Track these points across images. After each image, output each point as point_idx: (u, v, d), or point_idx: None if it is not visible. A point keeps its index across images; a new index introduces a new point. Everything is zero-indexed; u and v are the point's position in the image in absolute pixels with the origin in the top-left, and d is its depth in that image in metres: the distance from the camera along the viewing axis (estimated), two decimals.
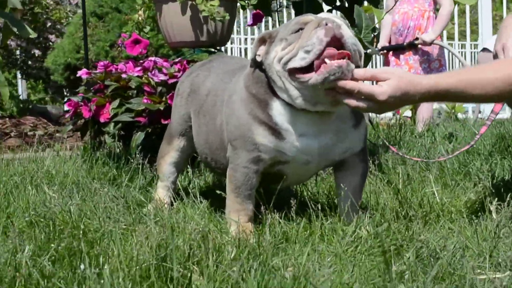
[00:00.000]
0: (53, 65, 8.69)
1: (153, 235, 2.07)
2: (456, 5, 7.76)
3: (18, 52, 12.25)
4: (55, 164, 4.05)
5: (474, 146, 2.98)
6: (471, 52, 11.05)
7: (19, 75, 13.97)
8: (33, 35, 7.21)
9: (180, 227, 2.43)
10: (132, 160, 3.75)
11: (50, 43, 11.52)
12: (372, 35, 3.86)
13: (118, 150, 4.01)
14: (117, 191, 3.35)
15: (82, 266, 1.81)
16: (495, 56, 2.88)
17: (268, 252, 2.13)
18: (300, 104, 2.50)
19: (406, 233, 2.46)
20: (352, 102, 2.41)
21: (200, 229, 2.28)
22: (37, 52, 11.58)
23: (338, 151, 2.67)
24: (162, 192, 3.26)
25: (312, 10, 3.94)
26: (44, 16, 11.52)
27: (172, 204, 3.18)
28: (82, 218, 2.62)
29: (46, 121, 8.32)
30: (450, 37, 10.50)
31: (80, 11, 11.49)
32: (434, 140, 4.98)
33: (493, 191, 2.98)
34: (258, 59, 2.59)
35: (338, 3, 4.18)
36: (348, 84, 2.37)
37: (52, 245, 2.08)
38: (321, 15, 2.53)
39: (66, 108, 4.30)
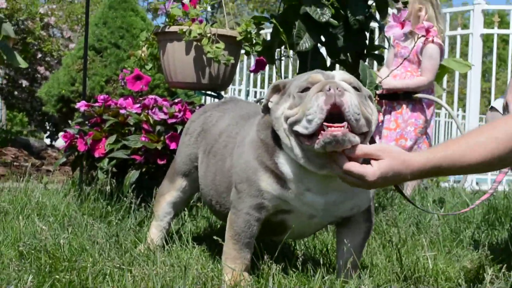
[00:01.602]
0: (46, 96, 8.62)
1: (158, 275, 1.99)
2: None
3: (3, 81, 12.20)
4: (44, 196, 3.97)
5: (470, 211, 2.97)
6: (462, 124, 11.12)
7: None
8: (24, 65, 7.17)
9: (182, 270, 2.36)
10: (124, 199, 3.69)
11: (39, 75, 11.47)
12: (376, 92, 3.84)
13: (109, 187, 3.93)
14: (108, 228, 3.28)
15: None
16: (506, 107, 2.88)
17: None
18: (304, 164, 2.43)
19: None
20: (344, 178, 2.37)
21: (202, 274, 2.22)
22: (24, 83, 11.53)
23: (344, 208, 2.60)
24: (155, 232, 3.19)
25: (316, 62, 3.93)
26: (35, 47, 11.50)
27: (163, 247, 3.11)
28: (80, 253, 2.53)
29: (28, 154, 8.22)
30: (438, 107, 10.55)
31: (72, 45, 11.50)
32: (423, 204, 4.95)
33: (488, 260, 2.94)
34: (270, 105, 2.53)
35: (342, 57, 4.16)
36: (340, 162, 2.32)
37: (56, 276, 2.00)
38: (332, 74, 2.45)
39: (60, 141, 4.24)
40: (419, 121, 6.26)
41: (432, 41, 6.09)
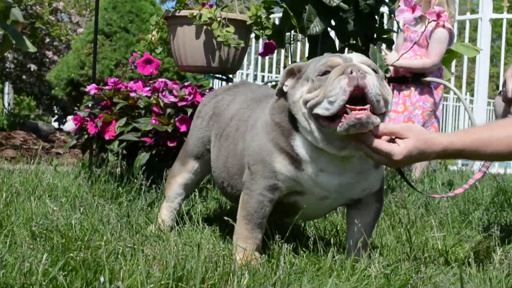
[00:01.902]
0: (56, 80, 8.65)
1: (171, 254, 2.01)
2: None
3: (11, 65, 12.22)
4: (55, 178, 4.00)
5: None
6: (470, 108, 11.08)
7: (6, 89, 13.92)
8: (32, 49, 7.19)
9: (194, 249, 2.38)
10: (134, 180, 3.71)
11: (47, 59, 11.49)
12: (385, 76, 3.85)
13: (120, 169, 3.96)
14: (119, 209, 3.30)
15: (102, 279, 1.76)
16: (504, 83, 2.89)
17: (285, 280, 2.09)
18: (324, 147, 2.45)
19: (417, 274, 2.42)
20: (370, 155, 2.40)
21: (214, 253, 2.24)
22: (33, 67, 11.55)
23: (357, 190, 2.63)
24: (166, 213, 3.21)
25: (326, 46, 3.94)
26: (44, 32, 11.51)
27: (173, 227, 3.13)
28: (92, 233, 2.56)
29: (36, 137, 8.26)
30: (446, 91, 10.56)
31: (80, 29, 11.51)
32: (431, 186, 4.97)
33: (496, 241, 2.95)
34: (285, 89, 2.54)
35: (352, 41, 4.18)
36: (367, 140, 2.36)
37: (70, 254, 2.02)
38: (349, 56, 2.46)
39: (68, 124, 4.26)
40: (426, 104, 6.26)
41: (443, 26, 6.08)
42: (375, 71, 2.43)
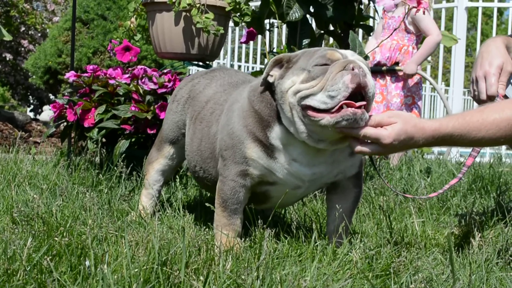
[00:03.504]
0: (33, 68, 8.59)
1: (156, 238, 2.02)
2: None
3: None
4: (34, 166, 3.98)
5: (461, 177, 2.99)
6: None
7: None
8: (8, 38, 7.14)
9: (177, 235, 2.38)
10: (114, 168, 3.70)
11: (22, 48, 11.40)
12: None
13: (99, 157, 3.94)
14: (99, 197, 3.29)
15: (87, 263, 1.75)
16: (474, 82, 2.87)
17: (269, 265, 2.10)
18: (303, 139, 2.47)
19: (398, 259, 2.44)
20: (356, 147, 2.42)
21: (197, 238, 2.25)
22: (8, 56, 11.46)
23: (330, 176, 2.65)
24: (145, 200, 3.21)
25: (305, 33, 3.94)
26: (19, 21, 11.42)
27: (154, 214, 3.13)
28: (74, 220, 2.55)
29: (12, 127, 8.20)
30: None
31: (56, 18, 11.44)
32: (409, 174, 4.99)
33: (475, 227, 2.98)
34: (270, 80, 2.53)
35: (331, 28, 4.18)
36: (353, 132, 2.38)
37: (55, 239, 2.02)
38: (346, 53, 2.46)
39: (45, 114, 4.24)
40: (403, 90, 6.29)
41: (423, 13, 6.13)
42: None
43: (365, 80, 2.34)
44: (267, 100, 2.55)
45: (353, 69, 2.34)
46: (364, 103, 2.35)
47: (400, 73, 6.20)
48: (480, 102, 2.82)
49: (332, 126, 2.35)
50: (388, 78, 6.28)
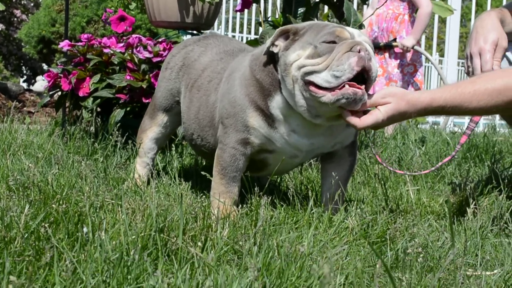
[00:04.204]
0: (26, 37, 8.55)
1: (153, 205, 2.02)
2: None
3: None
4: (29, 136, 3.97)
5: (454, 155, 3.01)
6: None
7: None
8: (1, 7, 7.09)
9: (173, 203, 2.39)
10: (109, 137, 3.69)
11: (15, 18, 11.33)
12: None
13: (94, 126, 3.93)
14: (95, 166, 3.29)
15: (85, 229, 1.76)
16: (469, 58, 2.86)
17: (266, 231, 2.11)
18: (301, 112, 2.49)
19: (394, 225, 2.46)
20: (349, 117, 2.45)
21: (194, 206, 2.26)
22: (0, 26, 11.38)
23: (327, 146, 2.67)
24: (140, 169, 3.22)
25: (300, 1, 3.92)
26: None
27: (149, 183, 3.13)
28: (70, 189, 2.55)
29: (6, 98, 8.17)
30: None
31: None
32: (404, 143, 5.01)
33: (470, 195, 3.00)
34: (275, 50, 2.52)
35: None
36: (350, 120, 2.43)
37: (53, 206, 2.02)
38: (353, 33, 2.46)
39: (38, 84, 4.21)
40: (403, 60, 6.30)
41: None
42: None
43: (370, 64, 2.37)
44: (269, 69, 2.56)
45: (359, 52, 2.36)
46: (362, 86, 2.38)
47: (397, 50, 6.21)
48: None
49: (332, 104, 2.37)
50: (386, 54, 6.28)
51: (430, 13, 6.19)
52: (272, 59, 2.56)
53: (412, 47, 6.15)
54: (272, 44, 2.53)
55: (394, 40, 6.20)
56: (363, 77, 2.38)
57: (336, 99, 2.35)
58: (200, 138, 2.89)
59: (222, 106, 2.67)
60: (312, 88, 2.40)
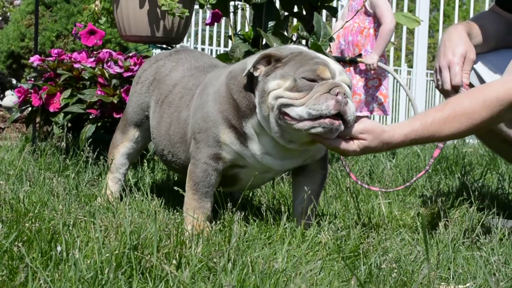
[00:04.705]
0: None
1: (127, 223, 2.01)
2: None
3: None
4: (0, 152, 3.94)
5: (428, 169, 3.04)
6: (408, 79, 11.19)
7: None
8: None
9: (147, 220, 2.38)
10: (80, 153, 3.67)
11: None
12: (329, 44, 3.87)
13: (65, 142, 3.91)
14: (66, 182, 3.27)
15: (59, 248, 1.75)
16: (437, 72, 2.88)
17: (240, 248, 2.11)
18: (275, 137, 2.50)
19: (366, 240, 2.47)
20: (325, 143, 2.50)
21: (167, 222, 2.25)
22: None
23: (298, 162, 2.68)
24: (112, 184, 3.20)
25: (271, 15, 3.93)
26: None
27: (121, 199, 3.12)
28: (42, 206, 2.53)
29: None
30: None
31: (17, 1, 11.28)
32: (375, 155, 5.02)
33: (441, 207, 3.02)
34: (256, 73, 2.52)
35: (296, 10, 4.18)
36: (324, 142, 2.47)
37: (26, 225, 2.00)
38: (336, 71, 2.48)
39: (7, 99, 4.19)
40: (368, 74, 6.33)
41: None
42: (350, 87, 2.50)
43: (345, 109, 2.39)
44: (247, 92, 2.56)
45: (337, 95, 2.38)
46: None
47: (362, 66, 6.25)
48: (444, 92, 2.85)
49: (306, 131, 2.39)
50: (351, 69, 6.32)
51: (392, 30, 6.23)
52: (250, 80, 2.56)
53: (373, 68, 6.19)
54: (254, 67, 2.53)
55: (360, 55, 6.24)
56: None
57: (312, 126, 2.37)
58: (171, 154, 2.88)
59: (194, 121, 2.67)
60: (287, 117, 2.42)
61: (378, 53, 6.21)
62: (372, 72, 6.33)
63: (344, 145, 2.44)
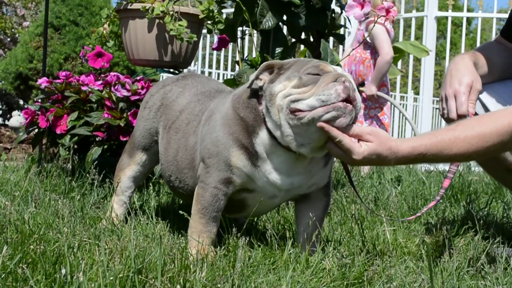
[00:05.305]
0: (3, 73, 8.54)
1: (132, 246, 2.01)
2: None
3: None
4: (5, 173, 3.95)
5: (439, 199, 3.03)
6: (414, 106, 11.21)
7: None
8: None
9: (151, 243, 2.38)
10: (86, 175, 3.68)
11: None
12: None
13: (71, 164, 3.92)
14: (72, 204, 3.28)
15: (63, 271, 1.75)
16: (443, 100, 2.88)
17: (244, 273, 2.11)
18: (287, 142, 2.50)
19: (371, 267, 2.46)
20: (332, 148, 2.46)
21: (172, 246, 2.25)
22: None
23: (304, 187, 2.68)
24: (117, 207, 3.21)
25: (278, 41, 3.96)
26: None
27: (126, 221, 3.12)
28: (47, 228, 2.53)
29: None
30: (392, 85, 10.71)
31: (26, 23, 11.35)
32: (380, 182, 5.03)
33: (445, 235, 3.02)
34: (260, 83, 2.56)
35: (303, 37, 4.21)
36: (333, 131, 2.41)
37: (31, 247, 2.01)
38: (337, 69, 2.51)
39: (14, 120, 4.20)
40: (368, 102, 6.36)
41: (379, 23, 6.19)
42: None
43: (354, 94, 2.41)
44: (252, 105, 2.58)
45: (344, 82, 2.40)
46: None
47: (364, 94, 6.28)
48: (449, 120, 2.85)
49: (320, 119, 2.39)
50: None
51: (389, 61, 6.23)
52: (255, 94, 2.59)
53: (372, 96, 6.22)
54: (257, 77, 2.56)
55: (362, 84, 6.28)
56: None
57: (326, 112, 2.37)
58: (178, 180, 2.89)
59: (203, 146, 2.67)
60: (297, 112, 2.42)
61: (375, 84, 6.25)
62: (372, 102, 6.37)
63: (351, 143, 2.41)
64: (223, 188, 2.61)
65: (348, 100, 2.39)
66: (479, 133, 2.48)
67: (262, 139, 2.56)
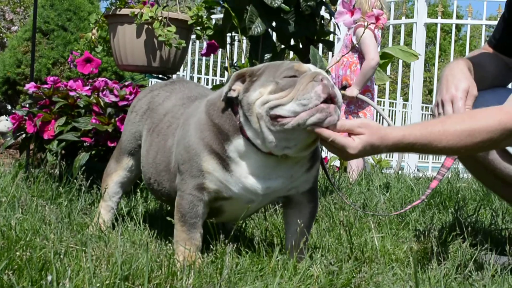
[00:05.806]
0: None
1: (119, 252, 2.00)
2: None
3: None
4: None
5: (424, 198, 3.02)
6: (403, 112, 11.24)
7: None
8: None
9: (138, 250, 2.37)
10: (73, 181, 3.66)
11: None
12: None
13: (59, 170, 3.90)
14: (59, 210, 3.26)
15: (49, 277, 1.74)
16: (439, 106, 2.89)
17: (231, 280, 2.10)
18: (269, 148, 2.48)
19: (359, 274, 2.46)
20: (327, 147, 2.46)
21: (159, 253, 2.24)
22: None
23: (283, 191, 2.66)
24: (104, 213, 3.20)
25: (267, 47, 3.96)
26: None
27: (113, 227, 3.11)
28: (34, 234, 2.52)
29: None
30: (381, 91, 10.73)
31: (14, 27, 11.33)
32: (369, 189, 5.03)
33: (434, 242, 3.02)
34: (233, 94, 2.53)
35: (292, 43, 4.21)
36: (324, 132, 2.40)
37: (17, 253, 2.00)
38: (310, 67, 2.49)
39: (3, 124, 4.19)
40: (351, 107, 6.40)
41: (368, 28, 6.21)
42: None
43: (334, 91, 2.39)
44: (227, 115, 2.56)
45: (322, 80, 2.37)
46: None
47: (345, 97, 6.31)
48: None
49: (304, 123, 2.37)
50: None
51: (373, 67, 6.26)
52: (229, 104, 2.57)
53: (353, 97, 6.25)
54: (230, 88, 2.54)
55: (345, 87, 6.31)
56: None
57: (310, 115, 2.35)
58: (156, 183, 2.88)
59: (178, 152, 2.67)
60: (279, 119, 2.40)
61: (358, 87, 6.28)
62: (354, 107, 6.39)
63: (344, 139, 2.41)
64: (198, 194, 2.60)
65: (329, 97, 2.38)
66: (469, 128, 2.48)
67: (236, 146, 2.53)
